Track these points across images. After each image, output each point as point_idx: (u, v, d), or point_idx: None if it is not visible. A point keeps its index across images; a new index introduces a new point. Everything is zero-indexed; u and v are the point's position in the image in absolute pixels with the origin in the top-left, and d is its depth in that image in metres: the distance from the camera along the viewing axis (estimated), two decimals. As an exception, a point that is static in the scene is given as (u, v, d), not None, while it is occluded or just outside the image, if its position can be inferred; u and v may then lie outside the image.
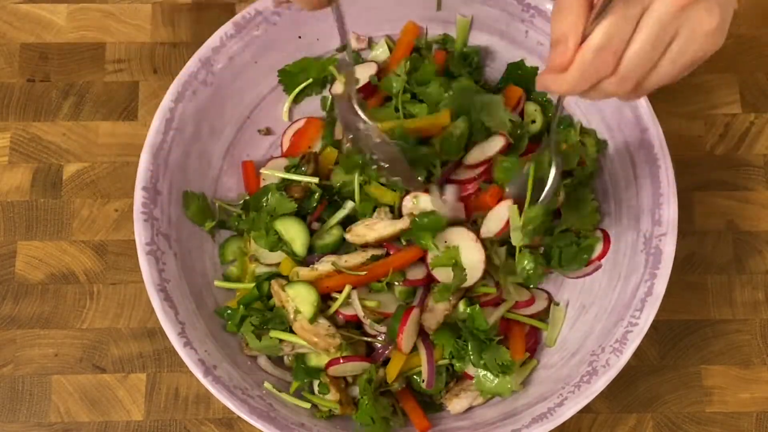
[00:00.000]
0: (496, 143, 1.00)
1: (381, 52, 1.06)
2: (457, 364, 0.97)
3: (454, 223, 0.96)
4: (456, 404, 0.97)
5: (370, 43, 1.07)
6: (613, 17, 0.67)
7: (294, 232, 0.98)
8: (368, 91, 1.04)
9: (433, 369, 0.96)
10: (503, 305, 0.99)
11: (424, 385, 0.96)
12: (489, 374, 0.95)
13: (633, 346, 0.90)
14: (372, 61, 1.06)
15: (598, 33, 0.67)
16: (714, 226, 1.13)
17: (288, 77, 1.05)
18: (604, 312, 0.96)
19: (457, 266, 0.94)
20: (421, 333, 0.96)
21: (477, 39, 1.06)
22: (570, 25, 0.68)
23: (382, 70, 1.05)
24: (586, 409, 0.91)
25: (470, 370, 0.97)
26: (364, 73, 1.04)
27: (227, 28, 0.99)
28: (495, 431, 0.90)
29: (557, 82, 0.71)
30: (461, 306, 0.96)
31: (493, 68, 1.08)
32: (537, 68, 1.04)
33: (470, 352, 0.94)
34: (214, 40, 0.99)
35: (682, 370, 1.08)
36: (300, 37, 1.04)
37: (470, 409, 0.97)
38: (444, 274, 0.95)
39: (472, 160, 1.00)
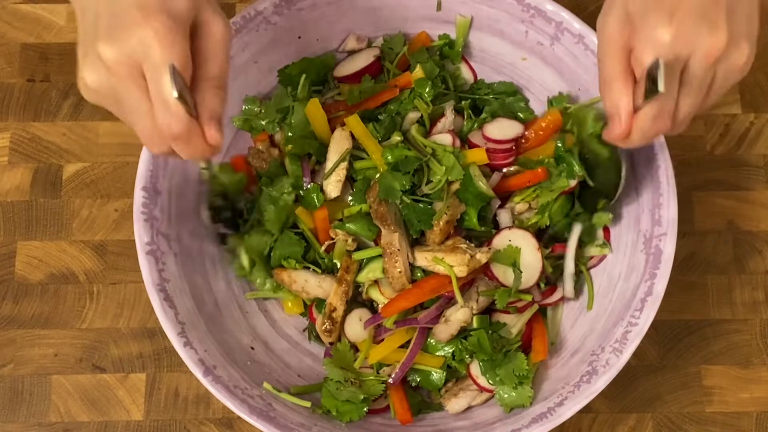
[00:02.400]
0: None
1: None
2: (456, 366, 0.97)
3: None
4: (454, 404, 0.96)
5: (370, 44, 1.07)
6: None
7: None
8: (375, 68, 1.05)
9: (406, 368, 0.96)
10: (529, 309, 0.98)
11: (390, 380, 0.96)
12: (506, 387, 0.94)
13: (633, 346, 0.90)
14: (375, 46, 1.07)
15: (652, 106, 0.74)
16: (714, 226, 1.13)
17: (288, 77, 1.05)
18: (604, 312, 0.96)
19: (516, 267, 0.95)
20: (421, 329, 0.96)
21: (477, 39, 1.06)
22: (618, 99, 0.76)
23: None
24: (586, 409, 0.91)
25: (472, 370, 0.97)
26: (369, 55, 1.05)
27: (227, 28, 0.99)
28: (494, 431, 0.90)
29: (624, 144, 0.79)
30: (474, 322, 0.96)
31: (492, 69, 1.08)
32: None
33: (485, 373, 0.94)
34: (214, 40, 0.99)
35: (682, 370, 1.08)
36: (300, 37, 1.04)
37: (469, 408, 0.97)
38: (501, 273, 0.96)
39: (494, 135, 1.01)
